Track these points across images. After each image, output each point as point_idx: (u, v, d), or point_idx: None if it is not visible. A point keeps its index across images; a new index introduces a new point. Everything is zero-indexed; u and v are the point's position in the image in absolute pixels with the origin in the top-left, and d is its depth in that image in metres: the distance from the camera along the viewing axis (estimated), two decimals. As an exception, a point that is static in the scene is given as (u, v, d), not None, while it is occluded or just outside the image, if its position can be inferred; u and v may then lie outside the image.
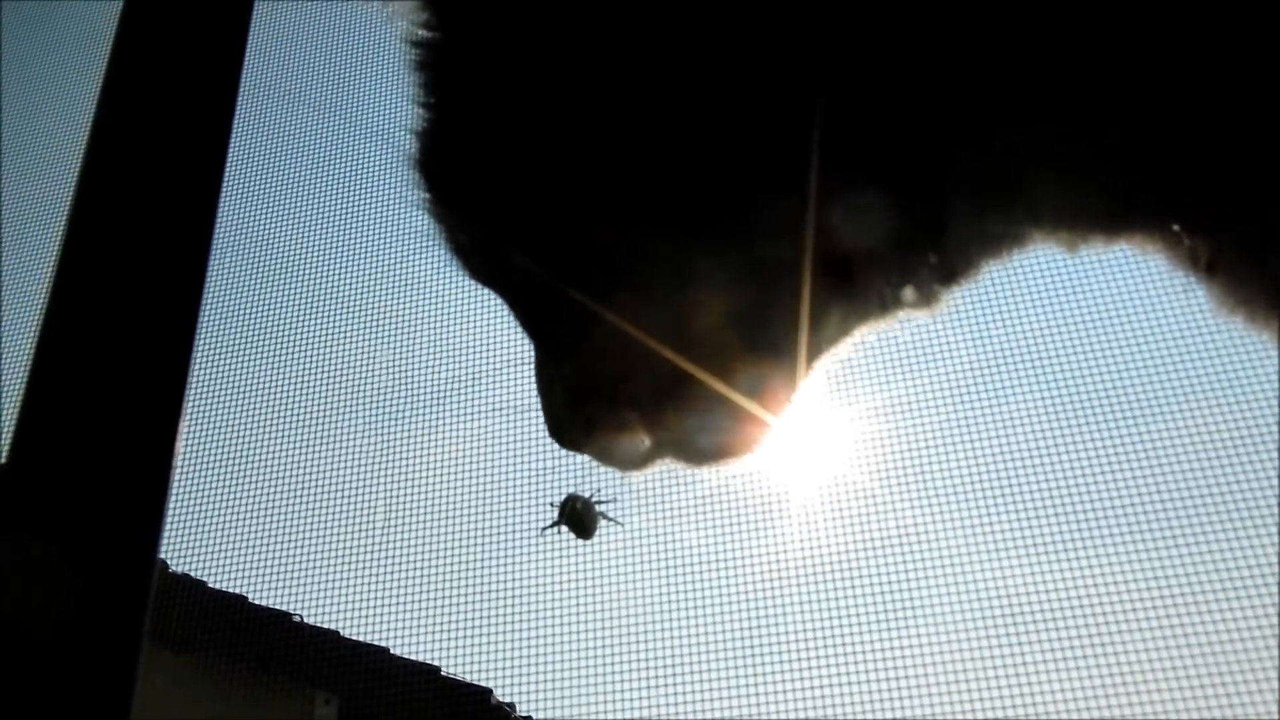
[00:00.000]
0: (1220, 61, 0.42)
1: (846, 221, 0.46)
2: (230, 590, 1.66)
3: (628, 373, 0.51)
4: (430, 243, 0.55)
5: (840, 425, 1.07)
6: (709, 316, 0.49)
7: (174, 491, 0.68)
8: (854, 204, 0.46)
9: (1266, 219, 0.44)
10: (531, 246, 0.51)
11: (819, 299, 0.48)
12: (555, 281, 0.50)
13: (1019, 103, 0.45)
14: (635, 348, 0.49)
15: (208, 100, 0.80)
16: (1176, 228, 0.47)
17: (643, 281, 0.49)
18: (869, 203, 0.46)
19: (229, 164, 0.79)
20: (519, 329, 0.57)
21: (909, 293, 0.50)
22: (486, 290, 0.58)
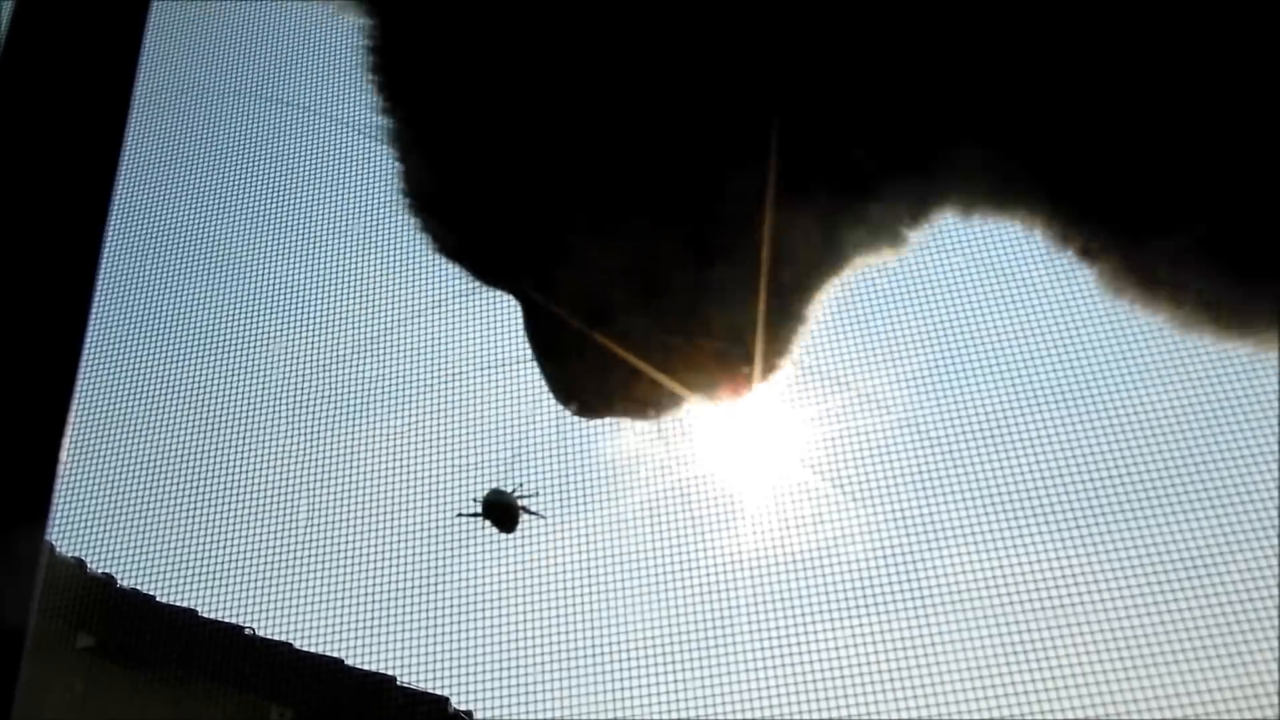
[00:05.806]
0: (1092, 76, 0.45)
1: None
2: (180, 605, 1.64)
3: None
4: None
5: (794, 428, 1.08)
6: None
7: (122, 508, 0.68)
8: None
9: (1135, 216, 0.47)
10: (532, 255, 0.51)
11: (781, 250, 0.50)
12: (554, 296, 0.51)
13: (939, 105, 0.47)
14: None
15: (101, 102, 0.79)
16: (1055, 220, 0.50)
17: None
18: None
19: (126, 163, 0.78)
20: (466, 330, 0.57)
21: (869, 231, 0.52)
22: (431, 294, 0.57)
